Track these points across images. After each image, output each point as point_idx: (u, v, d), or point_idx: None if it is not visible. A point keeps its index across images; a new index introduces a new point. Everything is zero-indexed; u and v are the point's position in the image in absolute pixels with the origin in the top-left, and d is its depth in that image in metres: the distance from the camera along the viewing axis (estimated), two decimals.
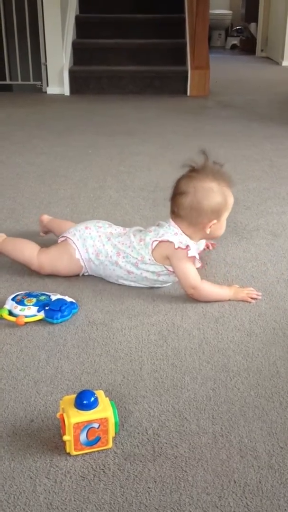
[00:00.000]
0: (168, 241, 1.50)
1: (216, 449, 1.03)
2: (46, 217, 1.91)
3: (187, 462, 1.00)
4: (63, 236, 1.66)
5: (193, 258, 1.51)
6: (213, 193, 1.48)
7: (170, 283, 1.61)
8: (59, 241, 1.67)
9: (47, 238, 1.86)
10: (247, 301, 1.53)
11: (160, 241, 1.51)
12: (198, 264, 1.56)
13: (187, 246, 1.49)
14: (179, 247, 1.49)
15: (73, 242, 1.61)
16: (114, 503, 0.92)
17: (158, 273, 1.56)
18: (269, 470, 0.99)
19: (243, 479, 0.97)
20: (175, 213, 1.53)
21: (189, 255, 1.49)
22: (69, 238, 1.62)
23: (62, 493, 0.94)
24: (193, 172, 1.51)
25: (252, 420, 1.10)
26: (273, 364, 1.28)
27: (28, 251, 1.66)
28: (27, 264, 1.66)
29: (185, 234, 1.52)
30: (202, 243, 1.68)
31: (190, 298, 1.54)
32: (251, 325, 1.43)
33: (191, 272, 1.51)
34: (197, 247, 1.58)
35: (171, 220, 1.55)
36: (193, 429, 1.08)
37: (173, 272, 1.54)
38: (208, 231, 1.52)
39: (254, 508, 0.92)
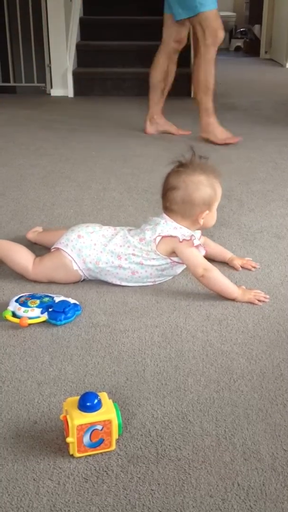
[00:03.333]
0: (171, 236, 1.53)
1: (219, 452, 1.03)
2: (31, 235, 1.87)
3: (191, 465, 1.00)
4: (55, 247, 1.62)
5: (198, 246, 1.54)
6: (203, 186, 1.54)
7: (171, 277, 1.64)
8: (52, 250, 1.63)
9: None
10: (253, 303, 1.53)
11: (164, 236, 1.53)
12: (203, 251, 1.58)
13: (191, 236, 1.52)
14: (184, 240, 1.52)
15: (68, 254, 1.57)
16: (117, 505, 0.92)
17: (162, 268, 1.57)
18: (272, 473, 0.99)
19: (247, 482, 0.97)
20: (168, 208, 1.58)
21: (195, 244, 1.53)
22: (62, 249, 1.59)
23: (65, 495, 0.94)
24: (181, 167, 1.56)
25: (256, 423, 1.10)
26: (276, 366, 1.27)
27: (22, 262, 1.62)
28: (21, 274, 1.63)
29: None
30: (198, 232, 1.66)
31: (194, 299, 1.54)
32: (255, 327, 1.43)
33: (199, 256, 1.55)
34: (197, 235, 1.60)
35: (164, 215, 1.58)
36: (197, 432, 1.08)
37: (177, 263, 1.57)
38: (201, 221, 1.56)
39: (257, 510, 0.92)
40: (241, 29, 8.82)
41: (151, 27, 5.10)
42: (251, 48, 8.21)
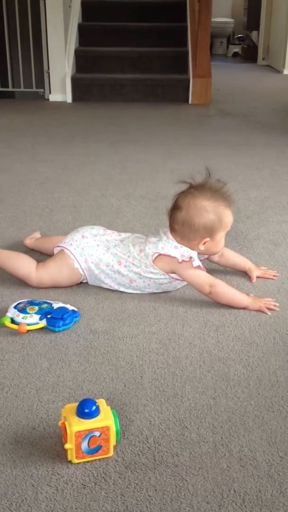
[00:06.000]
0: (170, 256, 1.51)
1: (216, 458, 1.04)
2: (28, 241, 1.89)
3: (188, 471, 1.01)
4: (58, 246, 1.64)
5: (198, 267, 1.53)
6: (205, 212, 1.48)
7: (172, 290, 1.63)
8: (54, 252, 1.65)
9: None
10: (263, 312, 1.52)
11: (161, 254, 1.53)
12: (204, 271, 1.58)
13: (191, 258, 1.50)
14: (183, 261, 1.50)
15: (70, 252, 1.59)
16: (115, 511, 0.93)
17: (161, 282, 1.57)
18: (268, 480, 0.99)
19: (243, 489, 0.98)
20: (171, 227, 1.55)
21: (194, 265, 1.51)
22: (65, 248, 1.61)
23: (63, 501, 0.95)
24: (192, 189, 1.52)
25: (252, 430, 1.11)
26: (273, 373, 1.28)
27: (24, 268, 1.62)
28: (24, 281, 1.63)
29: None
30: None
31: (191, 306, 1.55)
32: (252, 334, 1.44)
33: (202, 274, 1.53)
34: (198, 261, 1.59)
35: (168, 233, 1.56)
36: (194, 438, 1.09)
37: (176, 279, 1.56)
38: (201, 247, 1.53)
39: None
40: (239, 35, 8.87)
41: (149, 34, 5.15)
42: (249, 54, 8.25)
